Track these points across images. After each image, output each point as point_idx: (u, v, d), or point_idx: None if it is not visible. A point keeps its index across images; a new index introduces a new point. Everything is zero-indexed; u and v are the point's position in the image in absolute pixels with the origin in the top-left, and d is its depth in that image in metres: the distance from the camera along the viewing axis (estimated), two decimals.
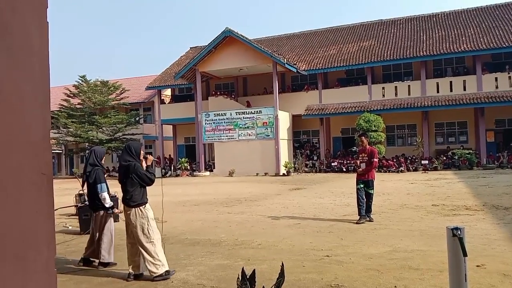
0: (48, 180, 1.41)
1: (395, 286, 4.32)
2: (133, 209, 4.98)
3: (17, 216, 1.30)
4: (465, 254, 2.07)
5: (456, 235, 2.06)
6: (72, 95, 33.99)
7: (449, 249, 2.15)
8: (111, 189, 10.44)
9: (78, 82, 34.37)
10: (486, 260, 5.13)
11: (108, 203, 5.89)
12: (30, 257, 1.34)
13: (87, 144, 33.78)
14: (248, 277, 2.74)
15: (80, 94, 33.71)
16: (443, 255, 4.96)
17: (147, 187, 5.16)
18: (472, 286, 4.16)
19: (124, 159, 5.12)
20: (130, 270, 4.98)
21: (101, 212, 5.90)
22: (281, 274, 2.69)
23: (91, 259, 5.83)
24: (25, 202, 1.33)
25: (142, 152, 5.30)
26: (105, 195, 5.87)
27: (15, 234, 1.29)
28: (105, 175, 6.13)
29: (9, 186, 1.27)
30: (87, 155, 6.21)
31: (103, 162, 6.20)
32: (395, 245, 6.20)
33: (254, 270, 2.82)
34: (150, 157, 5.34)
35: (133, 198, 4.99)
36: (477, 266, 4.91)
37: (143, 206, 5.05)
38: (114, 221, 9.20)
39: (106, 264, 5.68)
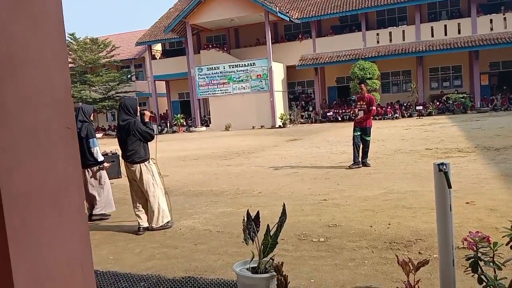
0: (73, 133, 1.57)
1: (389, 224, 4.61)
2: (138, 165, 5.08)
3: (50, 166, 1.46)
4: (449, 186, 2.27)
5: (442, 170, 2.25)
6: None
7: (436, 183, 2.35)
8: (106, 147, 10.64)
9: (68, 40, 33.66)
10: (475, 197, 5.42)
11: (100, 157, 6.03)
12: (65, 201, 1.51)
13: (80, 103, 33.59)
14: (253, 218, 2.97)
15: (70, 53, 33.10)
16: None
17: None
18: (461, 220, 4.46)
19: (122, 119, 5.11)
20: (141, 223, 5.12)
21: (94, 168, 6.04)
22: (283, 213, 2.92)
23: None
24: (56, 153, 1.49)
25: (138, 108, 5.35)
26: (97, 149, 5.97)
27: (51, 181, 1.46)
28: (99, 133, 6.15)
29: (42, 139, 1.42)
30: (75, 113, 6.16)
31: (91, 118, 6.26)
32: (389, 187, 6.49)
33: (258, 212, 3.05)
34: (148, 113, 5.33)
35: (138, 155, 5.08)
36: (467, 203, 5.20)
37: (148, 161, 5.19)
38: (117, 177, 9.50)
39: (104, 215, 5.95)
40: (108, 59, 33.89)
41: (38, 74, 1.43)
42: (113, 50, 34.03)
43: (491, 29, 25.21)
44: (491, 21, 25.39)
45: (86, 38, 33.78)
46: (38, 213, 1.30)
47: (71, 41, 33.56)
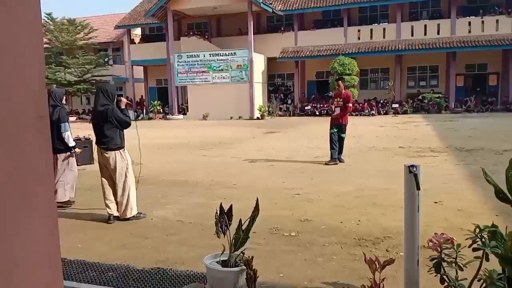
0: (45, 122, 1.54)
1: (359, 220, 4.71)
2: (113, 152, 5.00)
3: (22, 156, 1.43)
4: (418, 188, 2.34)
5: (412, 172, 2.31)
6: None
7: (406, 184, 2.42)
8: (80, 131, 10.44)
9: (44, 20, 32.67)
10: (444, 197, 5.58)
11: (71, 142, 5.90)
12: (35, 192, 1.49)
13: (54, 85, 32.78)
14: (225, 211, 2.98)
15: (47, 33, 32.17)
16: None
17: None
18: (429, 219, 4.59)
19: (100, 103, 5.01)
20: (111, 212, 5.04)
21: (64, 154, 5.90)
22: (256, 208, 2.95)
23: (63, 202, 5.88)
24: (28, 143, 1.46)
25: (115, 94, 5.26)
26: (68, 133, 5.83)
27: (21, 172, 1.43)
28: (73, 117, 6.05)
29: (13, 128, 1.39)
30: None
31: (64, 102, 6.12)
32: (362, 184, 6.61)
33: (231, 205, 3.07)
34: (124, 100, 5.25)
35: (113, 142, 5.00)
36: (435, 202, 5.35)
37: (123, 149, 5.12)
38: (89, 163, 9.34)
39: (68, 203, 5.83)
40: (85, 41, 33.10)
41: (11, 61, 1.39)
42: (91, 32, 33.25)
43: (469, 32, 25.76)
44: (469, 23, 25.93)
45: (63, 18, 32.87)
46: (7, 204, 1.29)
47: (48, 21, 32.60)
